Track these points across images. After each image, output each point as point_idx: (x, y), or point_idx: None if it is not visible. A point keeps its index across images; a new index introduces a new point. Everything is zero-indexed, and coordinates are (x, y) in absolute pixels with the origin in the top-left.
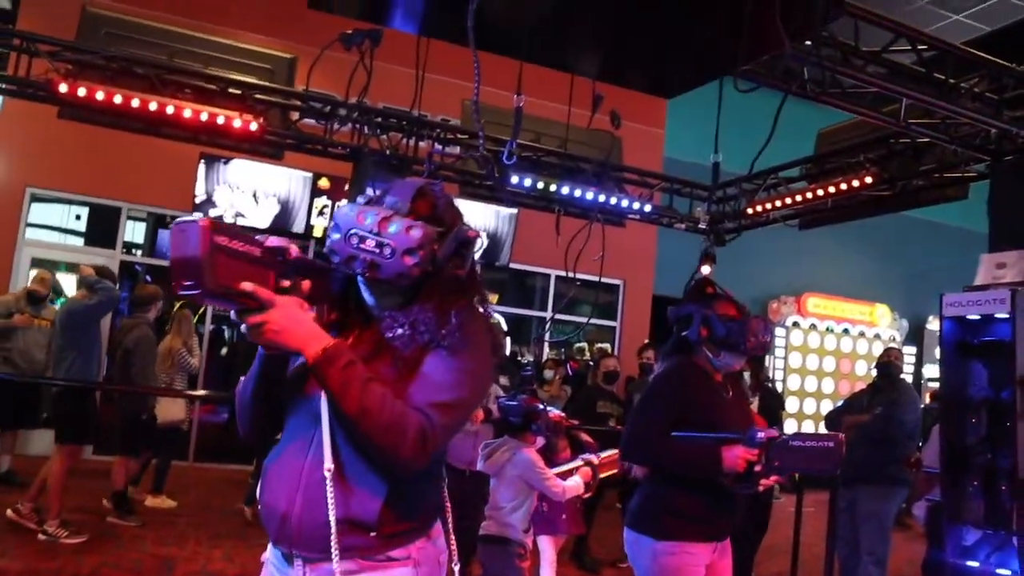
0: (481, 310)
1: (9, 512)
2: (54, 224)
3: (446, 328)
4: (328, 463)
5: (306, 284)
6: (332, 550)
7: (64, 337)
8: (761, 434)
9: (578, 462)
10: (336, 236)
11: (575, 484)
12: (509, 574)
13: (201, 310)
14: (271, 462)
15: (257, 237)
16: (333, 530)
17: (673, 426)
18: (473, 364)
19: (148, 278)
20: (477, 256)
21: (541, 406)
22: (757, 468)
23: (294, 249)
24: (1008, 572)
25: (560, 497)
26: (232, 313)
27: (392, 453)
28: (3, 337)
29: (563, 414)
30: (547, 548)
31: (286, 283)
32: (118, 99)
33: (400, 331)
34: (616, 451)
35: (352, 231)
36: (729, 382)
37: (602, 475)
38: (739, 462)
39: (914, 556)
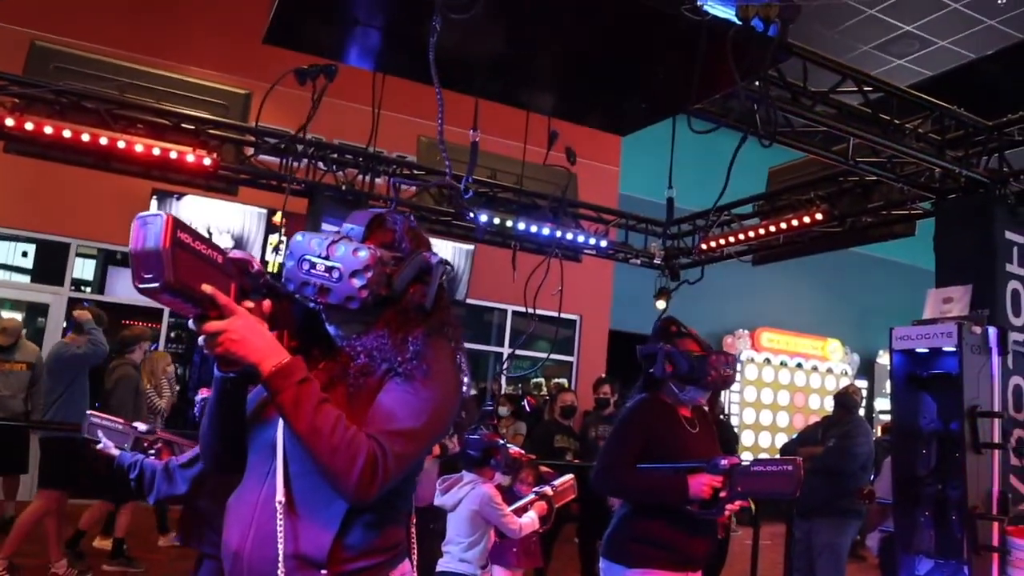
0: (450, 342)
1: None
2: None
3: (403, 355)
4: (279, 495)
5: (267, 304)
6: None
7: (51, 380)
8: (724, 461)
9: (531, 496)
10: (290, 263)
11: (530, 520)
12: None
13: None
14: (231, 500)
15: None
16: (280, 565)
17: (640, 458)
18: (432, 394)
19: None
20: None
21: (501, 441)
22: (722, 494)
23: (256, 263)
24: None
25: (517, 535)
26: (190, 321)
27: (341, 478)
28: None
29: (522, 451)
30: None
31: (249, 304)
32: (67, 133)
33: (359, 359)
34: (570, 477)
35: (304, 256)
36: (696, 416)
37: (558, 504)
38: (704, 488)
39: None
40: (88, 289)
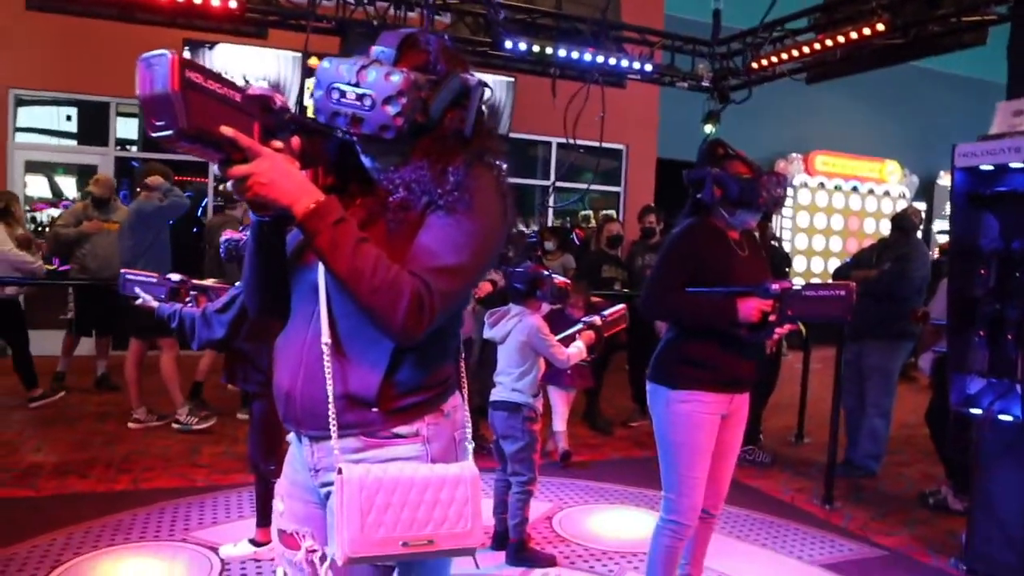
0: (493, 171)
1: (131, 424)
2: (44, 127)
3: (443, 186)
4: (325, 337)
5: (295, 141)
6: (331, 426)
7: (133, 238)
8: (775, 286)
9: (580, 325)
10: (319, 93)
11: (578, 350)
12: (522, 437)
13: None
14: (279, 341)
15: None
16: (331, 405)
17: (689, 282)
18: (476, 226)
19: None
20: (485, 108)
21: (546, 273)
22: (771, 318)
23: (279, 98)
24: (1010, 418)
25: (564, 364)
26: (215, 166)
27: (386, 319)
28: (77, 245)
29: (568, 280)
30: (558, 401)
31: (277, 143)
32: None
33: (398, 193)
34: (622, 307)
35: (332, 85)
36: (746, 240)
37: (608, 333)
38: (754, 312)
39: (919, 407)
40: (134, 148)
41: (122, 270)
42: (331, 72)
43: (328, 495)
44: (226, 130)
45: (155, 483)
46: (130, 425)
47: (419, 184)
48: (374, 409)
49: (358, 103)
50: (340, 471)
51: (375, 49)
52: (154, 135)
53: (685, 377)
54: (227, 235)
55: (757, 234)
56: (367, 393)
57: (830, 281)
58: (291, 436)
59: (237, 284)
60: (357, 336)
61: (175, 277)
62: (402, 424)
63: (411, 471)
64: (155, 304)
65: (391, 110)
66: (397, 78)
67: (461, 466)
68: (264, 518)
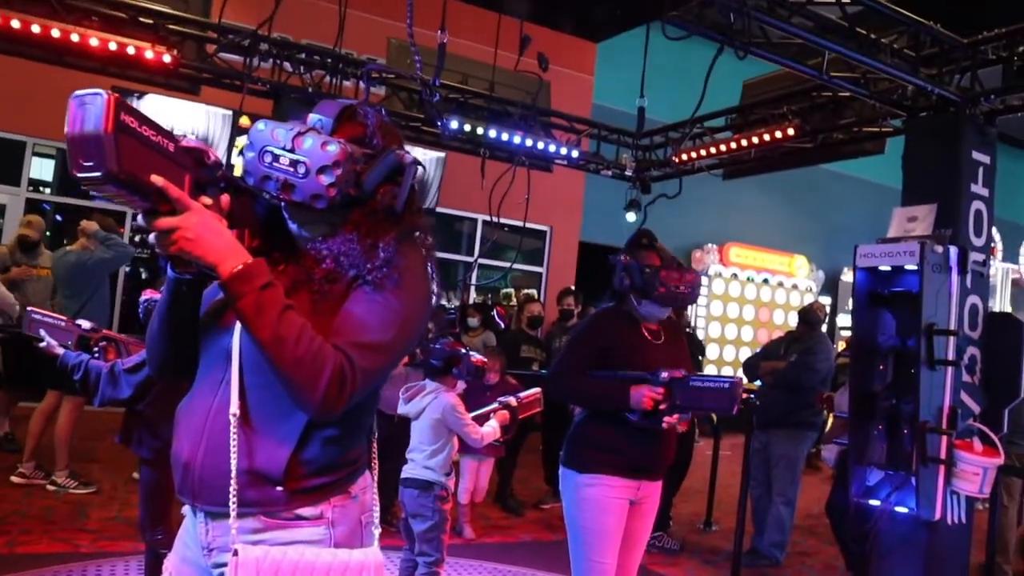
0: (421, 249)
1: (14, 477)
2: None
3: (372, 262)
4: (233, 407)
5: (225, 199)
6: (230, 503)
7: (71, 289)
8: (665, 374)
9: (495, 405)
10: (250, 155)
11: (491, 429)
12: (432, 516)
13: None
14: (181, 407)
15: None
16: (233, 480)
17: (594, 367)
18: (403, 305)
19: (58, 217)
20: (416, 187)
21: (463, 350)
22: (662, 406)
23: (213, 153)
24: (906, 509)
25: (478, 443)
26: (138, 216)
27: (306, 392)
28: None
29: (484, 359)
30: (468, 473)
31: (206, 199)
32: (16, 23)
33: (324, 264)
34: (537, 390)
35: (266, 148)
36: (665, 329)
37: (523, 416)
38: (644, 399)
39: (822, 497)
40: (47, 190)
41: (28, 308)
42: (266, 135)
43: None
44: (156, 179)
45: (34, 547)
46: (13, 479)
47: (348, 257)
48: (278, 488)
49: (291, 169)
50: (236, 552)
51: (312, 117)
52: (80, 175)
53: (592, 461)
54: (147, 295)
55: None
56: (273, 470)
57: (719, 375)
58: (186, 509)
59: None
60: (268, 409)
61: (85, 324)
62: (306, 506)
63: (312, 556)
64: (60, 351)
65: (325, 180)
66: (333, 148)
67: (365, 552)
68: None
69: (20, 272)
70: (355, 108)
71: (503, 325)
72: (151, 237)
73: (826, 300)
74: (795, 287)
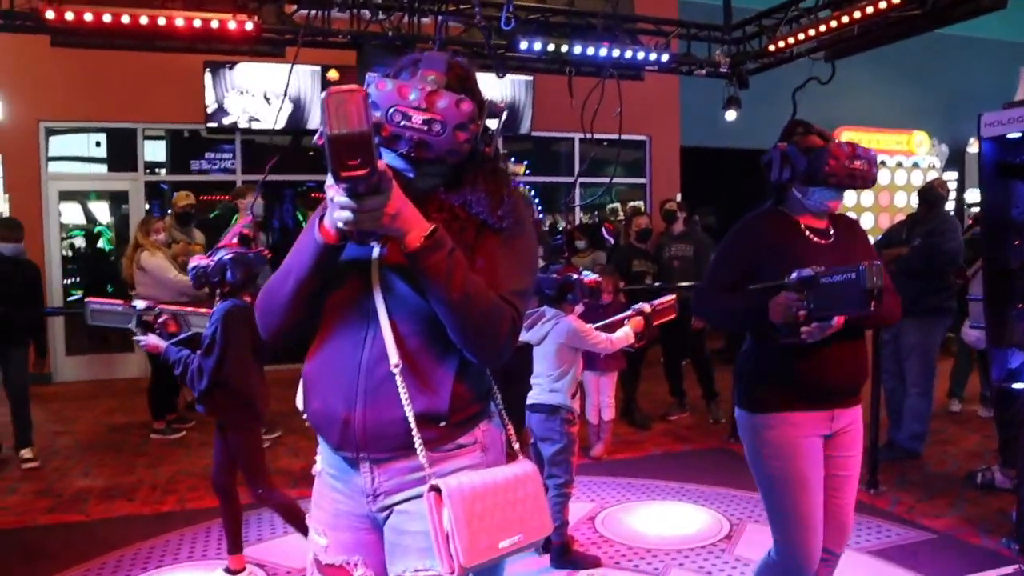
0: (518, 190)
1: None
2: (75, 154)
3: (501, 210)
4: (394, 359)
5: (383, 164)
6: (416, 445)
7: None
8: (795, 274)
9: (630, 311)
10: (377, 114)
11: (624, 335)
12: (559, 439)
13: None
14: (314, 367)
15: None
16: (413, 425)
17: (742, 282)
18: (530, 248)
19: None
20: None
21: (575, 275)
22: (800, 314)
23: (387, 125)
24: None
25: (608, 350)
26: (342, 197)
27: (488, 343)
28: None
29: (598, 277)
30: (594, 389)
31: (382, 164)
32: (107, 18)
33: (450, 212)
34: (671, 297)
35: (393, 108)
36: (837, 226)
37: (657, 322)
38: (778, 309)
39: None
40: (162, 171)
41: (86, 299)
42: (392, 95)
43: (387, 518)
44: (382, 164)
45: (200, 503)
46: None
47: (478, 206)
48: (442, 423)
49: (424, 128)
50: (436, 488)
51: (425, 73)
52: (344, 175)
53: (765, 396)
54: (195, 261)
55: None
56: (439, 409)
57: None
58: (323, 466)
59: (203, 310)
60: (424, 354)
61: (140, 304)
62: (464, 434)
63: (491, 477)
64: (163, 345)
65: (463, 136)
66: (468, 107)
67: (522, 464)
68: (236, 545)
69: (181, 249)
70: (460, 63)
71: (611, 241)
72: (347, 215)
73: (952, 175)
74: (916, 166)
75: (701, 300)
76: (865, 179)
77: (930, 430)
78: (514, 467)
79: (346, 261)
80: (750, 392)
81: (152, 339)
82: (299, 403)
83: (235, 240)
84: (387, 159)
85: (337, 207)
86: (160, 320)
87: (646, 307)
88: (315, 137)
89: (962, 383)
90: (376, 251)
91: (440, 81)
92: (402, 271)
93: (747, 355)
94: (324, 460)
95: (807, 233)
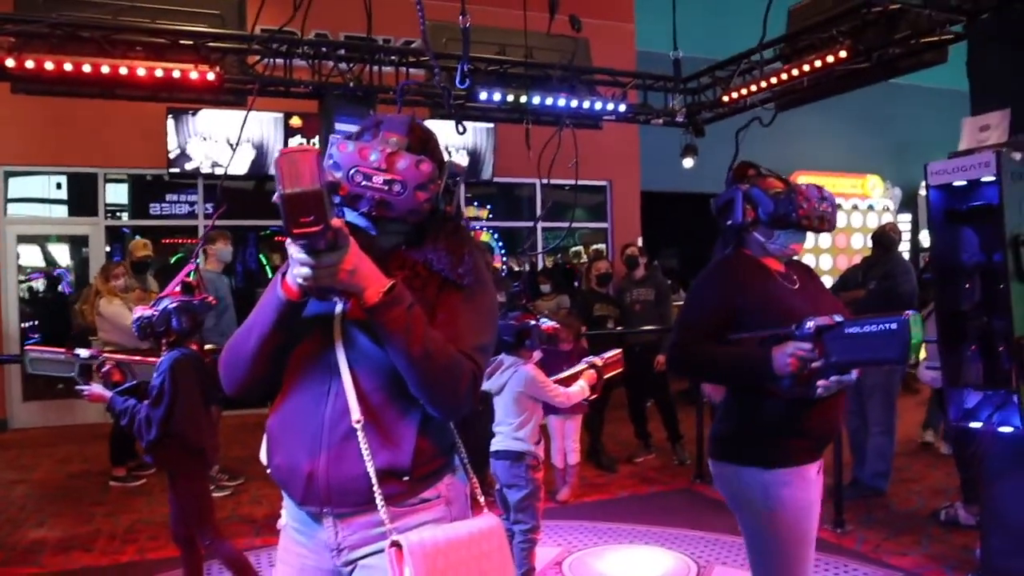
0: (477, 246)
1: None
2: (35, 196)
3: (463, 268)
4: (356, 414)
5: (340, 221)
6: (377, 500)
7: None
8: (811, 323)
9: (582, 366)
10: (338, 175)
11: (580, 389)
12: (526, 485)
13: None
14: (278, 421)
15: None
16: (375, 480)
17: (723, 330)
18: (490, 303)
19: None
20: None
21: (532, 321)
22: (814, 365)
23: (345, 184)
24: (1011, 429)
25: (565, 405)
26: (300, 254)
27: (448, 397)
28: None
29: (555, 324)
30: (558, 433)
31: (338, 221)
32: (68, 66)
33: (411, 269)
34: (619, 351)
35: (355, 168)
36: (796, 271)
37: (607, 375)
38: (790, 360)
39: (921, 420)
40: (124, 215)
41: (26, 347)
42: (353, 156)
43: (351, 573)
44: (336, 221)
45: (161, 552)
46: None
47: (438, 263)
48: (405, 478)
49: (385, 188)
50: (396, 544)
51: (386, 135)
52: (297, 232)
53: (785, 452)
54: (139, 311)
55: None
56: (402, 464)
57: (878, 315)
58: (287, 520)
59: (149, 360)
60: (387, 409)
61: (84, 353)
62: (427, 489)
63: (454, 532)
64: (107, 395)
65: (423, 196)
66: (427, 167)
67: (487, 518)
68: None
69: (137, 297)
70: (419, 125)
71: (576, 282)
72: (306, 272)
73: (905, 218)
74: (871, 208)
75: (683, 354)
76: (832, 222)
77: (894, 467)
78: (478, 521)
79: (309, 316)
80: (763, 447)
81: (96, 389)
82: (263, 457)
83: (177, 289)
84: (349, 218)
85: (296, 263)
86: (104, 369)
87: (597, 360)
88: (273, 196)
89: (937, 415)
90: (339, 307)
91: (401, 143)
92: (364, 326)
93: (745, 408)
94: (288, 515)
95: (778, 279)
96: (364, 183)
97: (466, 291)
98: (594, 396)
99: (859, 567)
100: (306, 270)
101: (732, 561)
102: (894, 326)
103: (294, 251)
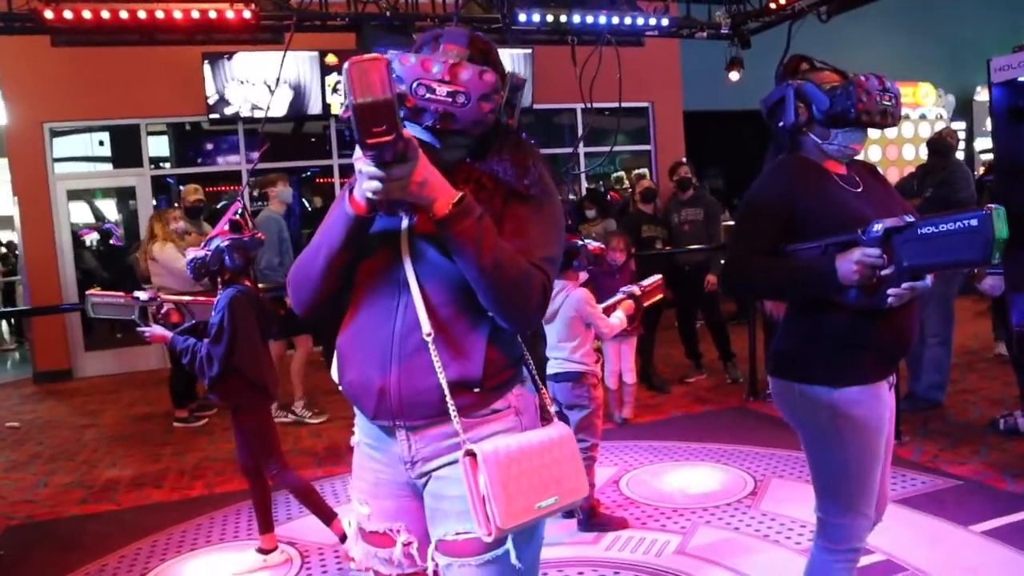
0: (542, 158)
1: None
2: (79, 154)
3: (528, 179)
4: (426, 327)
5: (408, 132)
6: (451, 411)
7: (282, 246)
8: (878, 226)
9: (620, 295)
10: (401, 88)
11: (618, 320)
12: (588, 404)
13: None
14: (348, 338)
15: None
16: (447, 391)
17: (783, 240)
18: (557, 215)
19: (181, 188)
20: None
21: (579, 242)
22: (883, 272)
23: (411, 96)
24: None
25: (608, 335)
26: (370, 166)
27: (519, 308)
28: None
29: (602, 245)
30: (613, 354)
31: (408, 132)
32: (106, 14)
33: (478, 182)
34: (659, 277)
35: (417, 81)
36: (859, 173)
37: (646, 303)
38: (856, 268)
39: (979, 330)
40: (167, 164)
41: (87, 292)
42: (415, 68)
43: (426, 484)
44: (407, 132)
45: (228, 487)
46: (287, 419)
47: (505, 175)
48: (476, 389)
49: (449, 100)
50: (471, 453)
51: (446, 47)
52: (371, 142)
53: (846, 367)
54: (191, 253)
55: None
56: (473, 375)
57: (955, 212)
58: (360, 437)
59: (202, 299)
60: (456, 322)
61: (143, 295)
62: (498, 399)
63: (526, 440)
64: (168, 335)
65: (487, 107)
66: (491, 77)
67: (557, 427)
68: (266, 525)
69: (195, 240)
70: (479, 36)
71: (614, 205)
72: (376, 185)
73: (959, 125)
74: (923, 117)
75: (740, 269)
76: (896, 117)
77: (950, 379)
78: (549, 430)
79: (376, 233)
80: (830, 363)
81: (157, 329)
82: (334, 375)
83: (226, 228)
84: (413, 132)
85: (365, 177)
86: (163, 311)
87: (636, 289)
88: (341, 111)
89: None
90: (405, 221)
91: (462, 55)
92: (432, 240)
93: (809, 321)
94: (361, 431)
95: (840, 183)
96: (428, 95)
97: (533, 202)
98: (632, 326)
99: (917, 476)
100: (376, 183)
101: (788, 474)
102: (975, 222)
103: (363, 164)
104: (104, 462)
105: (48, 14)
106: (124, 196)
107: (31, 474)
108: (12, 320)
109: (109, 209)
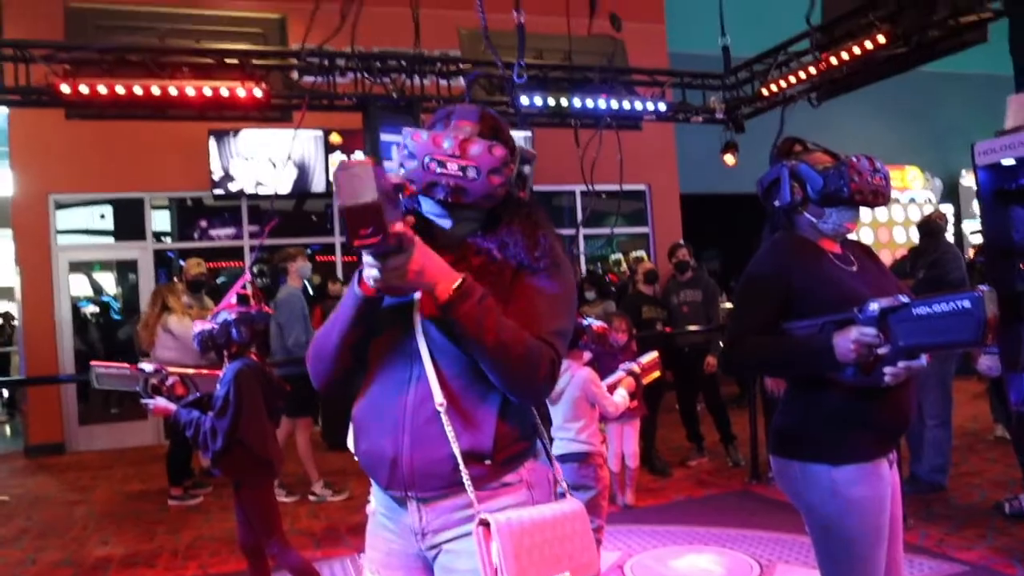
0: (554, 231)
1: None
2: (82, 227)
3: (538, 251)
4: (439, 398)
5: (411, 219)
6: (464, 481)
7: (303, 323)
8: (874, 305)
9: (620, 374)
10: (413, 164)
11: (622, 398)
12: (594, 485)
13: None
14: (362, 408)
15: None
16: (460, 461)
17: (780, 317)
18: (568, 288)
19: (182, 262)
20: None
21: (584, 322)
22: (880, 351)
23: (409, 185)
24: None
25: (614, 415)
26: (367, 257)
27: (525, 383)
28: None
29: (606, 324)
30: (616, 438)
31: (411, 219)
32: (120, 89)
33: (486, 255)
34: (655, 354)
35: (430, 156)
36: (854, 252)
37: (645, 381)
38: (852, 347)
39: (977, 412)
40: (168, 239)
41: (92, 363)
42: (427, 144)
43: (436, 556)
44: (398, 227)
45: (223, 567)
46: (311, 499)
47: (514, 247)
48: (487, 462)
49: (460, 174)
50: (485, 522)
51: (457, 124)
52: (358, 244)
53: (853, 447)
54: (199, 326)
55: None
56: (484, 447)
57: (950, 292)
58: (375, 506)
59: (205, 372)
60: (468, 394)
61: (148, 367)
62: (509, 472)
63: (539, 513)
64: (172, 408)
65: (497, 181)
66: (500, 152)
67: (570, 502)
68: None
69: (197, 315)
70: (489, 112)
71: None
72: (375, 274)
73: (947, 208)
74: (912, 201)
75: (739, 346)
76: (886, 196)
77: (952, 462)
78: (562, 504)
79: (389, 306)
80: (829, 441)
81: (161, 402)
82: (350, 444)
83: (233, 301)
84: (425, 207)
85: (367, 266)
86: (168, 383)
87: (635, 367)
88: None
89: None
90: (417, 295)
91: (473, 130)
92: (438, 319)
93: (807, 400)
94: (376, 500)
95: (836, 261)
96: (439, 170)
97: (543, 274)
98: (633, 404)
99: (924, 561)
100: (375, 272)
101: (794, 559)
102: (967, 303)
103: (364, 255)
104: (95, 540)
105: (64, 88)
106: (125, 269)
107: (19, 550)
108: (5, 392)
109: (109, 282)
